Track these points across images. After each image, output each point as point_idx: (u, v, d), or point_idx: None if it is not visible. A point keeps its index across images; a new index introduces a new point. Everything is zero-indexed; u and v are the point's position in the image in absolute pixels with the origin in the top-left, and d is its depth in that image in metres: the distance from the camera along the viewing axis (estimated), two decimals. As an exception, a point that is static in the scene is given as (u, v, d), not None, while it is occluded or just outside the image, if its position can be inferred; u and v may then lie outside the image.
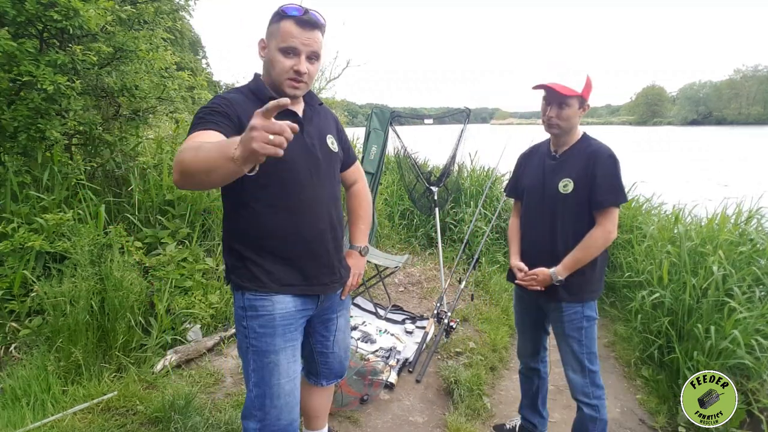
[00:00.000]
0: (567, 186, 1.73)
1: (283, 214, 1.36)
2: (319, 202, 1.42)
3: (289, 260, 1.39)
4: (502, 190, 4.87)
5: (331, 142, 1.50)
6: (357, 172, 1.69)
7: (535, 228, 1.86)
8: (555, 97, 1.71)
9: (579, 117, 1.75)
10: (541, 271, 1.77)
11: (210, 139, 1.15)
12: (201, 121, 1.24)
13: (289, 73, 1.31)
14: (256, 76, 1.44)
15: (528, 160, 1.98)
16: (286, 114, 1.36)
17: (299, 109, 1.44)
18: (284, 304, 1.37)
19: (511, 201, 2.34)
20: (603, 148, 1.73)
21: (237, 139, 0.93)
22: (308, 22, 1.30)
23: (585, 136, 1.80)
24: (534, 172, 1.89)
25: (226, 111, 1.27)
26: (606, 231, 1.69)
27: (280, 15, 1.31)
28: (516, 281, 1.88)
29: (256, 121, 0.85)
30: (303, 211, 1.38)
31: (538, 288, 1.79)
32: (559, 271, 1.73)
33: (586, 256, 1.71)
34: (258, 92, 1.38)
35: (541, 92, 1.78)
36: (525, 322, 2.06)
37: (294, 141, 1.33)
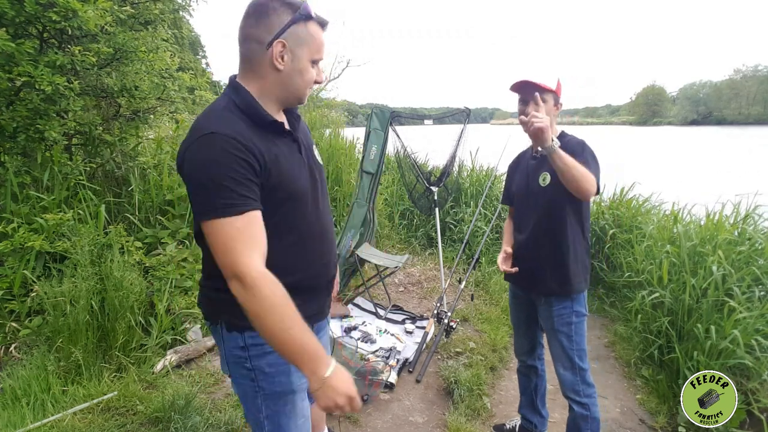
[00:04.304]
0: (545, 179, 1.77)
1: (292, 249, 1.17)
2: (325, 228, 1.26)
3: (298, 296, 1.10)
4: (502, 190, 4.87)
5: (318, 153, 1.31)
6: None
7: (523, 227, 1.92)
8: (531, 92, 1.68)
9: (555, 115, 1.78)
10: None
11: (257, 226, 1.01)
12: (233, 193, 0.98)
13: (310, 85, 1.14)
14: (238, 87, 1.11)
15: (516, 166, 2.05)
16: (282, 133, 1.14)
17: (282, 119, 1.19)
18: None
19: None
20: (575, 139, 1.76)
21: (323, 366, 0.97)
22: (326, 24, 1.14)
23: (563, 133, 1.82)
24: (521, 176, 1.96)
25: (252, 165, 1.02)
26: (591, 177, 1.58)
27: (306, 16, 1.08)
28: (504, 274, 1.93)
29: (349, 402, 0.97)
30: (312, 243, 1.22)
31: (538, 125, 1.51)
32: (556, 142, 1.57)
33: (573, 166, 1.55)
34: (253, 115, 1.08)
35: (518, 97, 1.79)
36: (520, 319, 2.09)
37: (299, 167, 1.16)
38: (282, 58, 1.07)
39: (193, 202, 1.03)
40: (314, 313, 1.28)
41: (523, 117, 1.64)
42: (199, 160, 1.00)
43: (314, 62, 1.13)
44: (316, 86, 1.20)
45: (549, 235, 1.79)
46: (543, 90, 1.70)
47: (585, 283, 1.85)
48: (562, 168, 1.54)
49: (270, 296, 0.97)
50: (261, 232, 1.02)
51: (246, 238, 0.99)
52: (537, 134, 1.54)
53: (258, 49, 1.07)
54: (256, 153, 1.02)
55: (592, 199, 1.73)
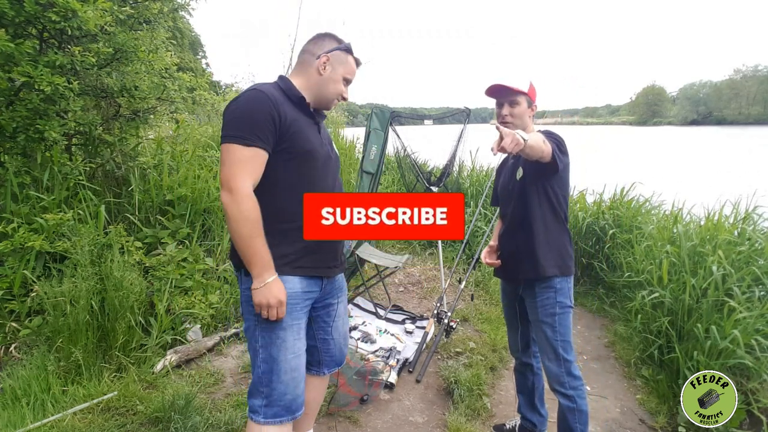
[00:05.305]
0: (519, 173, 1.84)
1: (299, 200, 1.42)
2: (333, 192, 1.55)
3: (304, 245, 1.45)
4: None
5: (334, 148, 1.65)
6: None
7: (503, 221, 2.01)
8: (505, 95, 1.80)
9: (530, 117, 1.84)
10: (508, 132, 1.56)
11: (259, 162, 1.35)
12: (251, 133, 1.32)
13: (338, 96, 1.57)
14: (284, 78, 1.52)
15: (501, 168, 2.12)
16: (309, 115, 1.49)
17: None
18: (292, 284, 1.43)
19: None
20: (545, 131, 1.77)
21: (268, 274, 1.34)
22: (360, 64, 1.61)
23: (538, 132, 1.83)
24: (503, 177, 2.04)
25: (274, 118, 1.36)
26: (539, 135, 1.60)
27: (349, 50, 1.56)
28: (486, 265, 2.05)
29: (278, 305, 1.36)
30: None
31: (510, 144, 1.42)
32: (522, 134, 1.54)
33: (534, 141, 1.54)
34: (289, 93, 1.47)
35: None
36: (511, 315, 2.11)
37: (316, 137, 1.51)
38: (324, 67, 1.50)
39: (222, 128, 1.36)
40: (305, 266, 1.47)
41: (495, 149, 1.49)
42: (239, 101, 1.37)
43: (346, 81, 1.56)
44: (342, 101, 1.61)
45: (521, 221, 1.85)
46: (515, 93, 1.78)
47: (566, 268, 1.84)
48: (529, 153, 1.54)
49: (248, 210, 1.31)
50: (260, 168, 1.36)
51: (247, 167, 1.33)
52: (517, 150, 1.48)
53: (310, 58, 1.52)
54: (281, 112, 1.37)
55: (572, 186, 1.76)
